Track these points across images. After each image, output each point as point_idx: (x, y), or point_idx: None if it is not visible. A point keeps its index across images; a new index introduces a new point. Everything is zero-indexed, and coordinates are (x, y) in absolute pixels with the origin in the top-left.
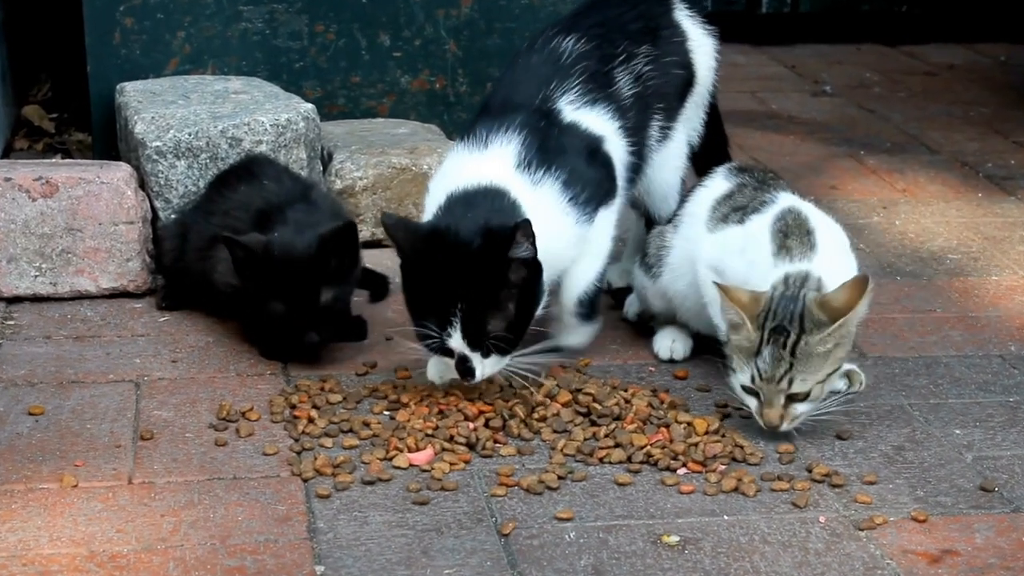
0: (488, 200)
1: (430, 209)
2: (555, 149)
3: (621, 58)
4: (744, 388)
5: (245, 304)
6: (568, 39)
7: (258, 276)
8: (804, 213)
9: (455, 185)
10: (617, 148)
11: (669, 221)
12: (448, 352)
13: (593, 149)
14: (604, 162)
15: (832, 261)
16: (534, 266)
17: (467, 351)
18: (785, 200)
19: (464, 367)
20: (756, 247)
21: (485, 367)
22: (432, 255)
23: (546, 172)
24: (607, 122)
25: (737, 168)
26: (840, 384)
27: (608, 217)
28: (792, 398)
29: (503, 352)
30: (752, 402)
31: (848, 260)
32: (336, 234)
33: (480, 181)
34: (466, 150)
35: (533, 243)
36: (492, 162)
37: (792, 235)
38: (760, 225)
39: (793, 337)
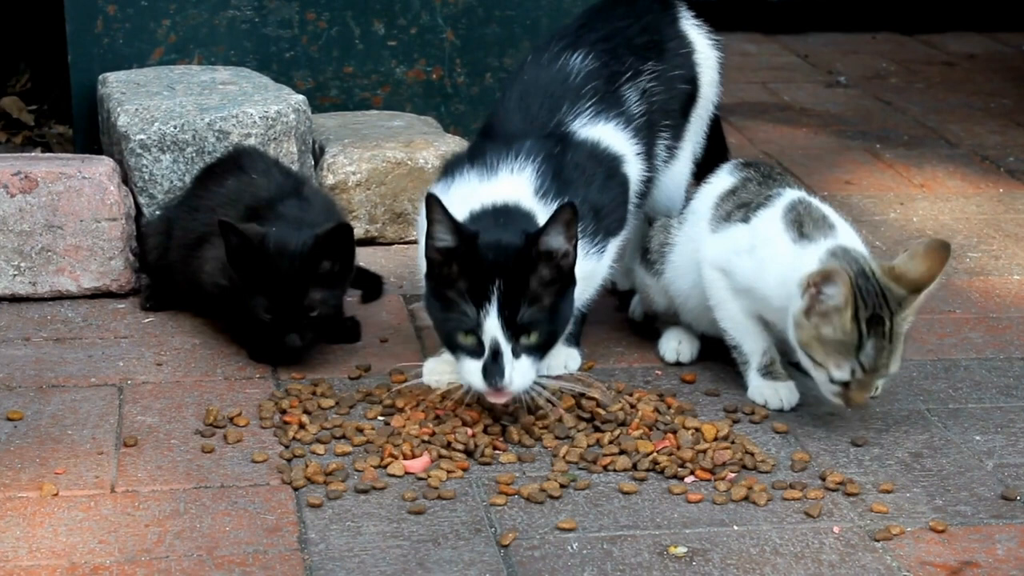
0: (517, 217)
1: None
2: (568, 177)
3: (627, 75)
4: (836, 382)
5: (232, 303)
6: (575, 56)
7: (249, 268)
8: (813, 202)
9: (472, 206)
10: (634, 170)
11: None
12: (476, 351)
13: (611, 170)
14: (621, 184)
15: (852, 240)
16: (570, 274)
17: (501, 337)
18: (791, 194)
19: (494, 362)
20: (768, 243)
21: (515, 371)
22: (473, 242)
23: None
24: (625, 140)
25: (742, 163)
26: None
27: (615, 246)
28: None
29: (534, 354)
30: (836, 388)
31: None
32: (332, 235)
33: (502, 200)
34: (476, 175)
35: (575, 234)
36: (508, 187)
37: (807, 222)
38: (768, 220)
39: (888, 323)
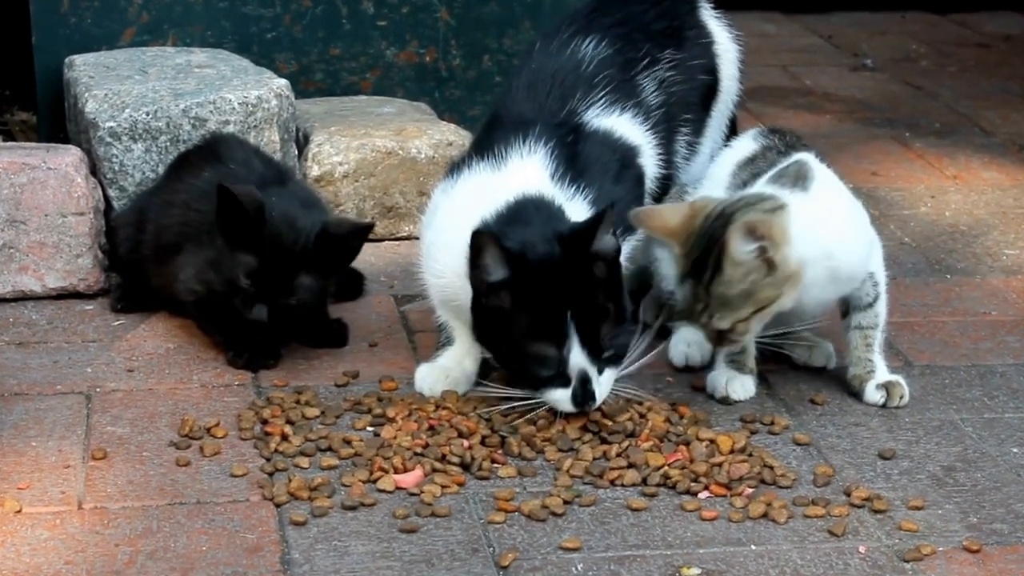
0: (546, 214)
1: (458, 232)
2: (583, 165)
3: (644, 63)
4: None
5: (210, 306)
6: (588, 42)
7: (240, 229)
8: (810, 164)
9: (489, 204)
10: (651, 164)
11: None
12: (562, 381)
13: (626, 162)
14: (636, 177)
15: (819, 208)
16: (619, 266)
17: (588, 365)
18: (797, 156)
19: (585, 390)
20: None
21: (602, 386)
22: (525, 277)
23: (576, 190)
24: (641, 132)
25: (768, 130)
26: (877, 396)
27: (630, 245)
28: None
29: (616, 364)
30: None
31: (847, 225)
32: (356, 232)
33: (521, 192)
34: (485, 166)
35: (616, 234)
36: (521, 174)
37: (786, 176)
38: (763, 182)
39: (708, 275)
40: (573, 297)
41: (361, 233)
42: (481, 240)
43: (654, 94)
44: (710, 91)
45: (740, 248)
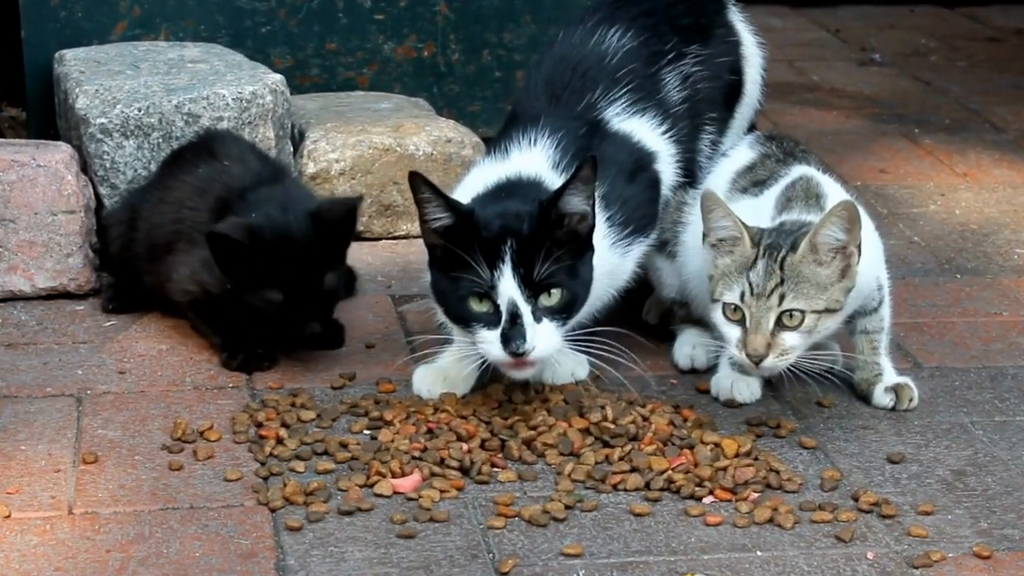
0: (526, 187)
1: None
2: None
3: (670, 56)
4: (727, 312)
5: (205, 308)
6: (613, 32)
7: (247, 267)
8: (816, 179)
9: (482, 185)
10: (668, 171)
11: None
12: (492, 319)
13: (642, 165)
14: (652, 181)
15: None
16: (588, 239)
17: (519, 296)
18: (798, 171)
19: (513, 326)
20: (760, 217)
21: (537, 335)
22: (471, 216)
23: None
24: (660, 137)
25: (765, 137)
26: (886, 399)
27: (642, 249)
28: (780, 324)
29: (557, 317)
30: (735, 332)
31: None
32: (349, 214)
33: (515, 174)
34: (490, 160)
35: (593, 194)
36: (520, 163)
37: (797, 198)
38: (770, 195)
39: (783, 252)
40: (517, 232)
41: (354, 211)
42: (416, 181)
43: (677, 90)
44: (735, 91)
45: (829, 232)
